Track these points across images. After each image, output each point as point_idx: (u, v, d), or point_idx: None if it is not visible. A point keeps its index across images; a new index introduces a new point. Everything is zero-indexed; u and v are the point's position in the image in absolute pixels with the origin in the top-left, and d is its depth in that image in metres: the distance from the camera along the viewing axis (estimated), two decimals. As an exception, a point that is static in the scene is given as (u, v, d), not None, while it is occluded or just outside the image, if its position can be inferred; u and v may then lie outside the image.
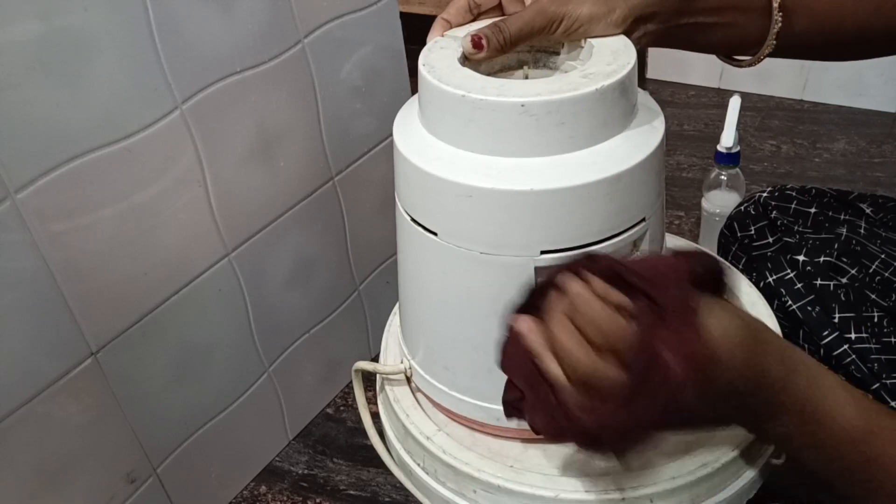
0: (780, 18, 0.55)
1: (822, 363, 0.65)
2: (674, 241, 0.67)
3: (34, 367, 0.65)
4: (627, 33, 0.50)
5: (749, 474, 0.50)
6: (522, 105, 0.42)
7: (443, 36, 0.51)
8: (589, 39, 0.49)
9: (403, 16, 0.93)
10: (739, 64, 0.59)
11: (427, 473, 0.53)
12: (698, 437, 0.52)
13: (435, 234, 0.47)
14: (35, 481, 0.68)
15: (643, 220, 0.46)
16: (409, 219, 0.49)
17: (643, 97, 0.49)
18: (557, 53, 0.52)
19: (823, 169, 1.46)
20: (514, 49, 0.49)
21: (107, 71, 0.63)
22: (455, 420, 0.55)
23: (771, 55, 0.57)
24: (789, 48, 0.57)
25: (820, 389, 0.42)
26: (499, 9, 0.52)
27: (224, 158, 0.77)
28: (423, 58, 0.48)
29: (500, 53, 0.48)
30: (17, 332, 0.63)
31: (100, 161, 0.65)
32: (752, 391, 0.40)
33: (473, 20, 0.53)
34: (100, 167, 0.65)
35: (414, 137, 0.48)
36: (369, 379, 1.08)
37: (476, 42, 0.47)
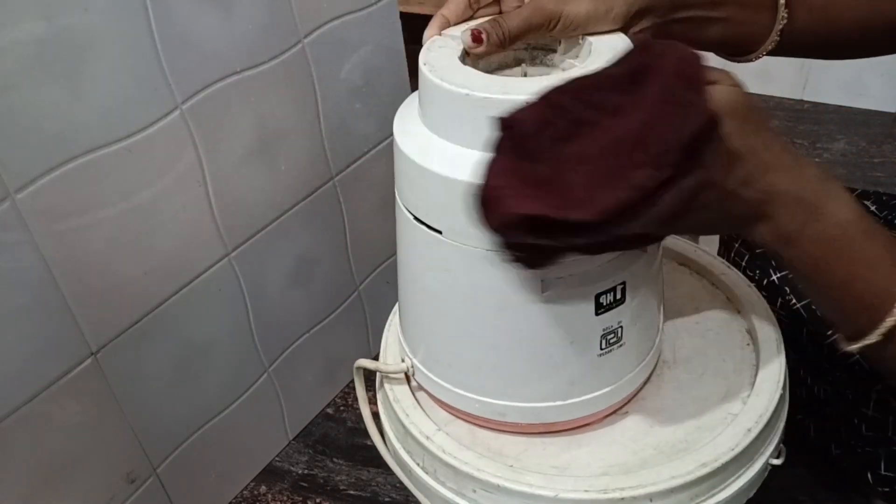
0: (785, 14, 0.54)
1: (827, 361, 0.65)
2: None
3: (34, 367, 0.65)
4: (625, 29, 0.50)
5: (748, 474, 0.50)
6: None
7: (440, 33, 0.51)
8: (587, 37, 0.49)
9: (403, 16, 0.93)
10: (738, 60, 0.59)
11: (427, 473, 0.53)
12: (696, 438, 0.52)
13: (440, 232, 0.47)
14: (35, 481, 0.68)
15: None
16: (411, 217, 0.49)
17: None
18: (554, 51, 0.52)
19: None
20: (512, 45, 0.49)
21: (107, 71, 0.63)
22: (457, 416, 0.55)
23: (771, 53, 0.57)
24: (789, 46, 0.57)
25: (822, 182, 0.41)
26: (496, 5, 0.53)
27: (224, 158, 0.77)
28: (423, 56, 0.48)
29: (499, 49, 0.48)
30: (17, 332, 0.63)
31: (100, 161, 0.65)
32: (760, 167, 0.40)
33: (471, 17, 0.53)
34: (100, 167, 0.65)
35: (415, 135, 0.48)
36: (369, 379, 1.08)
37: (476, 36, 0.47)
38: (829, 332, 0.62)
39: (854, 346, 0.42)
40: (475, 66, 0.48)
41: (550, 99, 0.39)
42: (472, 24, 0.49)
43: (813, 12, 0.56)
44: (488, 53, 0.49)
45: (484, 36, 0.47)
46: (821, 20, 0.56)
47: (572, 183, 0.37)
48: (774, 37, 0.55)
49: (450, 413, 0.56)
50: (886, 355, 0.41)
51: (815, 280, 0.42)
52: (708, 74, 0.38)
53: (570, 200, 0.37)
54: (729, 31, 0.55)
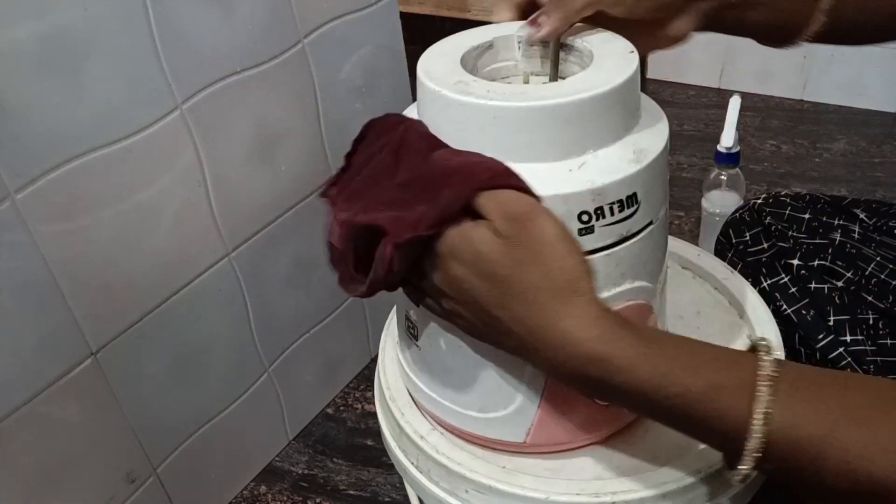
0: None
1: (819, 366, 0.65)
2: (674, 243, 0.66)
3: (34, 367, 0.65)
4: (678, 12, 0.50)
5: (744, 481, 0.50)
6: (523, 109, 0.42)
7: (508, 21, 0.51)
8: (591, 47, 0.49)
9: (403, 16, 0.93)
10: (780, 46, 0.57)
11: (421, 472, 0.53)
12: (692, 443, 0.51)
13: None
14: (35, 481, 0.68)
15: (650, 223, 0.46)
16: None
17: (646, 102, 0.49)
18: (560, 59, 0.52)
19: (823, 169, 1.46)
20: (577, 20, 0.48)
21: (107, 71, 0.63)
22: (443, 427, 0.55)
23: (817, 40, 0.55)
24: (837, 31, 0.55)
25: (598, 349, 0.38)
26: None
27: (224, 158, 0.77)
28: (422, 62, 0.48)
29: (563, 26, 0.48)
30: (17, 332, 0.63)
31: (100, 161, 0.65)
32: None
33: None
34: (100, 167, 0.65)
35: None
36: (368, 378, 1.08)
37: (533, 21, 0.47)
38: (821, 337, 0.62)
39: (734, 477, 0.40)
40: (475, 73, 0.48)
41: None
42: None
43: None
44: (552, 34, 0.48)
45: (543, 18, 0.47)
46: (861, 5, 0.55)
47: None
48: (821, 17, 0.53)
49: (435, 421, 0.56)
50: (769, 474, 0.40)
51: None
52: (482, 205, 0.39)
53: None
54: (777, 13, 0.54)
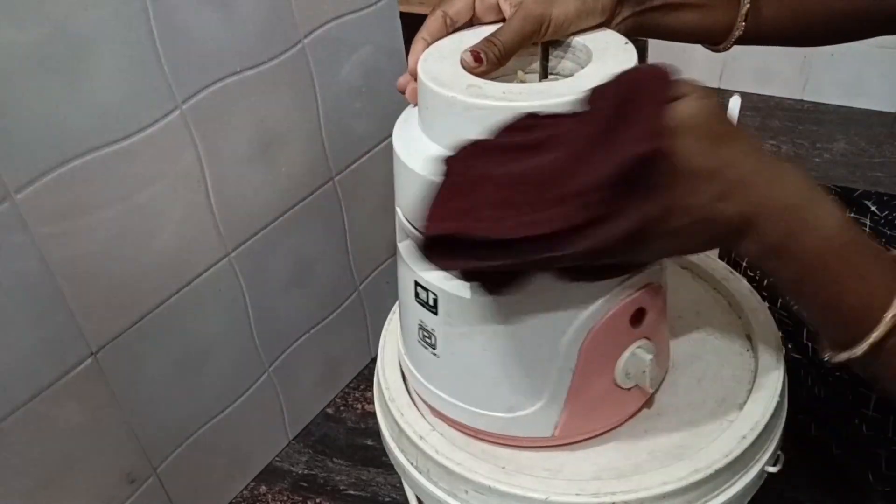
0: (748, 2, 0.54)
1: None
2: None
3: (34, 367, 0.65)
4: (609, 22, 0.51)
5: (743, 481, 0.50)
6: (552, 108, 0.42)
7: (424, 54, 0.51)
8: (586, 43, 0.49)
9: (403, 16, 0.93)
10: (715, 49, 0.59)
11: (420, 473, 0.53)
12: (691, 444, 0.51)
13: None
14: (35, 481, 0.68)
15: None
16: (407, 223, 0.49)
17: None
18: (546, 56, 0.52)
19: (823, 169, 1.46)
20: (509, 59, 0.48)
21: (107, 71, 0.63)
22: (447, 423, 0.55)
23: (743, 42, 0.57)
24: (759, 34, 0.57)
25: (806, 191, 0.39)
26: (471, 23, 0.52)
27: (224, 158, 0.77)
28: (422, 64, 0.48)
29: (498, 66, 0.48)
30: (17, 332, 0.63)
31: (100, 161, 0.65)
32: (726, 187, 0.38)
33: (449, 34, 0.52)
34: (100, 167, 0.65)
35: (415, 143, 0.47)
36: (367, 378, 1.08)
37: (476, 56, 0.47)
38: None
39: (839, 358, 0.41)
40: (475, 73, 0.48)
41: (499, 135, 0.39)
42: (458, 37, 0.49)
43: (783, 2, 0.56)
44: (489, 72, 0.48)
45: (483, 56, 0.47)
46: (789, 6, 0.56)
47: (489, 208, 0.38)
48: (740, 23, 0.55)
49: (439, 419, 0.56)
50: (870, 367, 0.40)
51: (802, 292, 0.41)
52: (674, 89, 0.37)
53: (480, 222, 0.37)
54: (704, 19, 0.55)
